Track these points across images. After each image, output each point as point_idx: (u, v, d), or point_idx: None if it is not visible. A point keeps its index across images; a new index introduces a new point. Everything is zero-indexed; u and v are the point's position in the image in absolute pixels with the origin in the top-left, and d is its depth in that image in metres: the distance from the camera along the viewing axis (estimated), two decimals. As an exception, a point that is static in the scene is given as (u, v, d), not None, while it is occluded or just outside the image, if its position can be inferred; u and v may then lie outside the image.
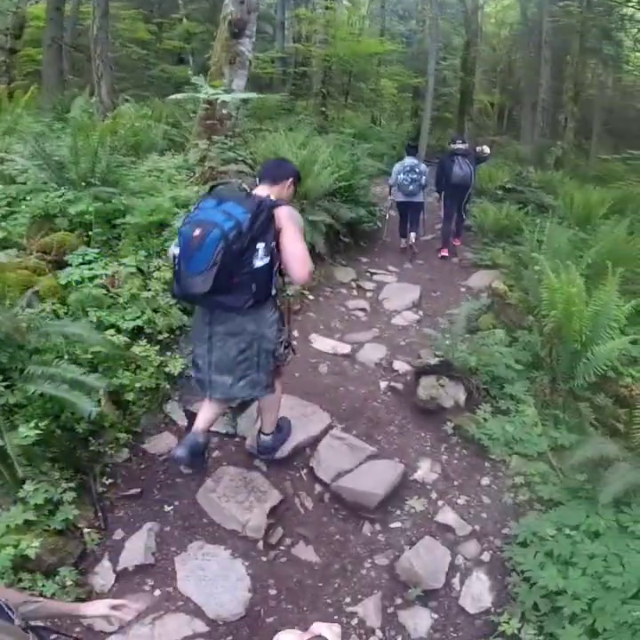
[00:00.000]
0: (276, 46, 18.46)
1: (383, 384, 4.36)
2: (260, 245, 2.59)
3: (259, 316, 2.74)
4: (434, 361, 4.22)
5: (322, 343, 4.85)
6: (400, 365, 4.57)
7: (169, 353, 3.85)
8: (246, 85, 6.47)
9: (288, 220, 2.69)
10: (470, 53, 21.15)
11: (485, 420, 3.88)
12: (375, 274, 6.89)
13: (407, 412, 4.08)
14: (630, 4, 17.05)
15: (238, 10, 6.15)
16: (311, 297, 5.70)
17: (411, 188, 7.29)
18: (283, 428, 3.45)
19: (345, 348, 4.80)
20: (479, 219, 8.05)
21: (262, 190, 2.84)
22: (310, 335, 4.99)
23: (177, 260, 2.63)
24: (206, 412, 2.99)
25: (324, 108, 16.72)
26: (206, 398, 3.00)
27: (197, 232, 2.50)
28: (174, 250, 2.69)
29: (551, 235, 6.10)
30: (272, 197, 2.75)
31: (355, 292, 6.26)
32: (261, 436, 3.29)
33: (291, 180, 2.97)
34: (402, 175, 7.32)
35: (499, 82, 26.88)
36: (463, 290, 6.49)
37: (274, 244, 2.64)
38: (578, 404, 4.07)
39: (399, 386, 4.31)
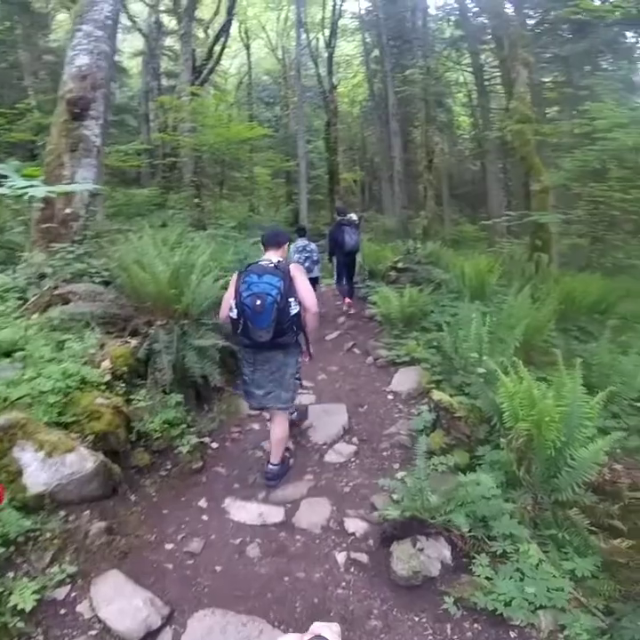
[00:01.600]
0: (140, 138, 17.51)
1: (341, 558, 3.08)
2: (291, 299, 3.45)
3: (290, 349, 3.70)
4: (400, 517, 3.10)
5: (243, 511, 3.48)
6: (354, 525, 3.32)
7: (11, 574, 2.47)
8: (97, 177, 5.24)
9: (296, 271, 3.60)
10: (331, 133, 21.83)
11: (490, 579, 2.80)
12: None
13: (385, 593, 2.84)
14: (460, 67, 18.87)
15: (79, 87, 5.05)
16: (214, 445, 4.32)
17: (306, 264, 7.73)
18: (286, 462, 4.01)
19: (276, 514, 3.46)
20: (383, 308, 7.13)
21: (273, 255, 3.68)
22: (224, 501, 3.61)
23: (242, 321, 3.40)
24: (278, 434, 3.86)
25: (198, 200, 15.82)
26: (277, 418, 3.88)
27: (258, 302, 3.33)
28: (232, 314, 3.45)
29: (464, 317, 5.57)
30: (280, 259, 3.63)
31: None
32: (269, 465, 3.85)
33: (287, 242, 3.90)
34: (296, 255, 7.84)
35: (358, 159, 28.31)
36: (390, 397, 5.44)
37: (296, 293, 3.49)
38: (567, 512, 3.24)
39: (363, 558, 3.06)
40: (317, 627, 1.23)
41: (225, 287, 4.10)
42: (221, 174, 21.91)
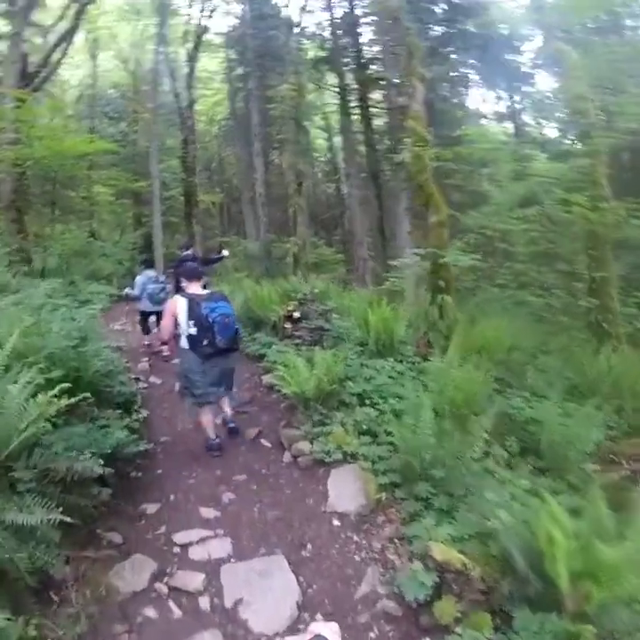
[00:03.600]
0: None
1: None
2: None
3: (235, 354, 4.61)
4: None
5: None
6: None
7: None
8: None
9: None
10: (189, 152, 19.35)
11: None
12: (188, 544, 3.40)
13: None
14: (325, 86, 17.95)
15: None
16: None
17: (160, 295, 7.36)
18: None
19: None
20: (293, 383, 5.07)
21: (198, 287, 4.47)
22: None
23: (210, 334, 4.12)
24: (210, 418, 4.63)
25: (19, 226, 12.39)
26: (206, 412, 4.54)
27: (227, 320, 4.18)
28: (191, 331, 4.16)
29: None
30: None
31: (173, 607, 2.86)
32: (228, 424, 4.95)
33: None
34: (151, 285, 7.42)
35: (216, 180, 26.02)
36: (336, 523, 3.60)
37: None
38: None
39: None
40: (316, 627, 1.18)
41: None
42: (52, 194, 18.13)
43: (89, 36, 18.01)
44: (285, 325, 6.48)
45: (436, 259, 6.84)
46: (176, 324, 4.31)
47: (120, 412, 4.48)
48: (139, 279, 7.58)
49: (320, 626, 1.21)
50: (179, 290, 5.33)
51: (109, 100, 21.32)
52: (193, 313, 4.10)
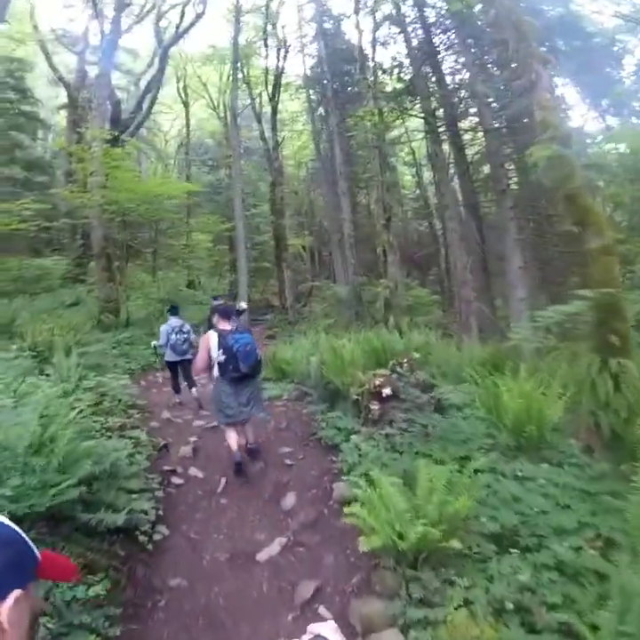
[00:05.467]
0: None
1: None
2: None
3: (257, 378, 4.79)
4: None
5: None
6: None
7: None
8: None
9: None
10: (277, 194, 18.24)
11: None
12: None
13: None
14: (412, 112, 16.06)
15: None
16: None
17: (183, 346, 6.84)
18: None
19: None
20: (378, 527, 2.79)
21: (227, 325, 4.60)
22: None
23: (234, 360, 4.36)
24: (235, 436, 4.59)
25: (109, 274, 11.60)
26: (231, 430, 4.58)
27: (248, 347, 4.38)
28: (220, 359, 4.41)
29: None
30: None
31: None
32: (248, 446, 4.78)
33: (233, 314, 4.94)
34: (174, 335, 6.83)
35: (306, 223, 24.87)
36: None
37: None
38: None
39: None
40: (315, 627, 1.04)
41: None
42: (154, 242, 17.83)
43: (179, 84, 17.88)
44: (371, 405, 4.19)
45: (607, 302, 4.24)
46: (209, 356, 4.57)
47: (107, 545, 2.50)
48: (163, 328, 6.94)
49: (318, 626, 1.05)
50: (210, 326, 5.60)
51: (206, 148, 21.15)
52: (222, 344, 4.44)
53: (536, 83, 5.41)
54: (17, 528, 0.70)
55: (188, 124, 19.60)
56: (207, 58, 18.02)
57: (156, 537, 3.44)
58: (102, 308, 12.39)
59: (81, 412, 3.92)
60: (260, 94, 18.35)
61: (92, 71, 12.83)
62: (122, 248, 14.17)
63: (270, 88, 17.53)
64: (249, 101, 17.76)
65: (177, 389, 7.11)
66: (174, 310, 7.14)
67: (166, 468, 4.66)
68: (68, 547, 2.77)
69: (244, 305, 8.08)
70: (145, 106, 13.39)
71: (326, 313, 17.11)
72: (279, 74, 17.20)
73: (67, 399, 3.99)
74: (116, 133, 11.79)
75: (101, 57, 10.68)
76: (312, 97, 17.69)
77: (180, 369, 6.95)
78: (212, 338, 4.50)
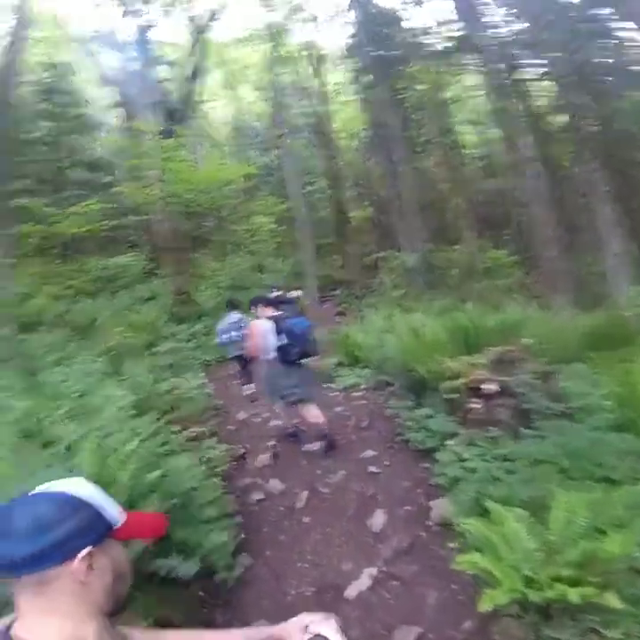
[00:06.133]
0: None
1: None
2: None
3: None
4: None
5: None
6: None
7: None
8: None
9: None
10: (333, 167, 17.36)
11: None
12: None
13: None
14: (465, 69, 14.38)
15: None
16: None
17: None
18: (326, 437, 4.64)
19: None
20: (502, 577, 2.07)
21: (270, 311, 4.71)
22: None
23: (294, 344, 4.38)
24: (288, 415, 4.83)
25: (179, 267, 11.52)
26: (285, 407, 4.73)
27: (307, 330, 4.50)
28: (283, 342, 4.40)
29: None
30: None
31: None
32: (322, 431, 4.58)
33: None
34: (233, 332, 6.62)
35: (365, 194, 23.66)
36: None
37: None
38: None
39: None
40: (316, 626, 1.01)
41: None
42: (219, 229, 17.76)
43: (223, 70, 17.30)
44: (472, 404, 3.47)
45: None
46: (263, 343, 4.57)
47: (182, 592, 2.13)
48: (221, 327, 6.82)
49: (319, 626, 1.02)
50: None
51: (257, 131, 20.58)
52: (282, 328, 4.44)
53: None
54: (92, 493, 0.80)
55: (238, 110, 19.09)
56: (244, 40, 17.26)
57: (238, 571, 3.03)
58: (175, 300, 12.46)
59: (156, 427, 3.60)
60: (299, 71, 17.32)
61: (135, 67, 12.64)
62: (188, 239, 14.14)
63: (314, 62, 16.46)
64: (293, 77, 16.84)
65: (246, 380, 6.93)
66: (233, 306, 6.97)
67: (246, 480, 4.27)
68: (141, 598, 2.40)
69: (295, 293, 7.65)
70: (192, 95, 13.02)
71: (396, 284, 16.17)
72: (317, 47, 16.05)
73: (133, 420, 3.64)
74: (167, 125, 11.54)
75: (138, 50, 10.42)
76: (357, 65, 16.40)
77: (248, 363, 6.75)
78: (265, 325, 4.57)
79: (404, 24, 14.52)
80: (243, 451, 4.75)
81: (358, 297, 16.47)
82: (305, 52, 15.64)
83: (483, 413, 3.37)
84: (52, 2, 18.13)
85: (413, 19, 14.45)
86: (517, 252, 18.58)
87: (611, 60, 11.58)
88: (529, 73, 13.45)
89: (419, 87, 13.07)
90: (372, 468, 4.04)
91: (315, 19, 15.32)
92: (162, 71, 13.38)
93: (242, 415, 5.84)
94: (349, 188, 22.55)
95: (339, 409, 5.44)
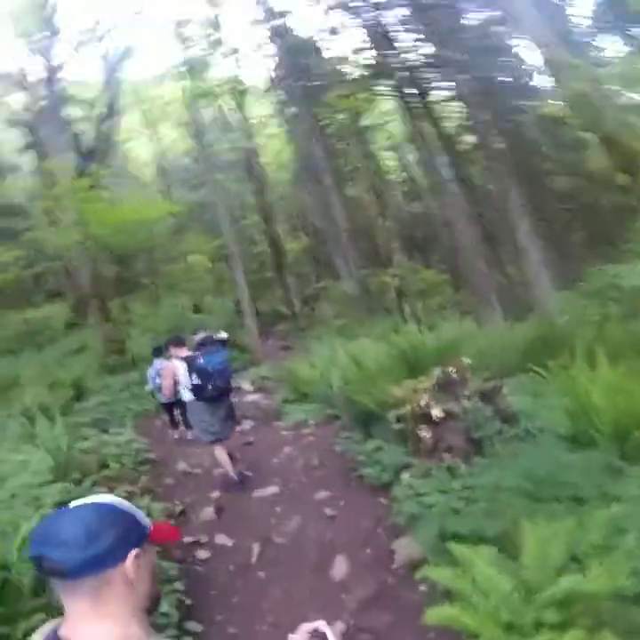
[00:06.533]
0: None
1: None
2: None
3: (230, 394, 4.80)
4: None
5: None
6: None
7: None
8: None
9: None
10: (263, 199, 17.34)
11: None
12: None
13: None
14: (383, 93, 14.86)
15: None
16: None
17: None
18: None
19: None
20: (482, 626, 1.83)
21: (186, 350, 4.65)
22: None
23: (211, 380, 4.30)
24: (227, 456, 4.57)
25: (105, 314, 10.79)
26: (220, 447, 4.53)
27: (222, 365, 4.40)
28: (195, 381, 4.29)
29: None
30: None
31: None
32: (243, 473, 4.65)
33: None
34: (159, 379, 6.22)
35: (299, 225, 23.81)
36: None
37: None
38: None
39: None
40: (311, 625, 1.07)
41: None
42: (152, 271, 17.08)
43: (142, 108, 16.98)
44: (420, 431, 3.25)
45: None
46: (176, 384, 4.65)
47: None
48: (150, 372, 6.80)
49: (316, 623, 1.08)
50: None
51: (185, 168, 20.22)
52: (194, 367, 4.32)
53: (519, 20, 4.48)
54: (127, 505, 0.88)
55: (159, 146, 18.71)
56: (161, 77, 17.09)
57: (187, 641, 2.57)
58: (107, 349, 11.62)
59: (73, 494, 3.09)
60: (222, 104, 17.37)
61: (45, 107, 12.00)
62: (113, 283, 13.37)
63: (236, 96, 16.58)
64: (215, 113, 16.83)
65: (174, 424, 6.80)
66: (157, 351, 6.85)
67: (188, 539, 3.78)
68: None
69: (223, 334, 7.42)
70: (110, 134, 12.55)
71: (337, 313, 16.18)
72: (239, 81, 16.23)
73: (44, 488, 3.11)
74: (84, 165, 10.97)
75: (46, 89, 9.92)
76: (280, 98, 16.72)
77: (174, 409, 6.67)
78: (178, 366, 4.50)
79: (324, 54, 14.91)
80: (181, 508, 4.24)
81: (302, 329, 16.26)
82: (227, 87, 15.73)
83: (433, 441, 3.17)
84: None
85: (332, 48, 14.81)
86: (447, 270, 19.34)
87: (510, 78, 12.49)
88: (439, 95, 14.20)
89: (339, 116, 13.40)
90: (328, 511, 3.71)
91: (235, 52, 15.48)
92: (74, 111, 12.79)
93: (181, 466, 5.31)
94: (283, 220, 22.64)
95: (287, 449, 5.09)
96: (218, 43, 14.03)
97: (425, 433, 3.19)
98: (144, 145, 19.48)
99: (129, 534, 0.83)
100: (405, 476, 3.15)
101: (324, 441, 4.91)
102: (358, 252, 16.39)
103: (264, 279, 20.55)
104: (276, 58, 16.46)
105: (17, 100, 13.11)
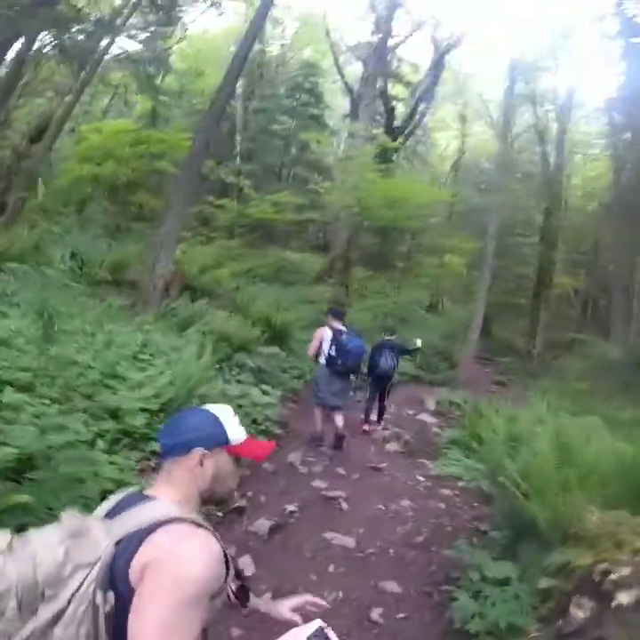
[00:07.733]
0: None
1: None
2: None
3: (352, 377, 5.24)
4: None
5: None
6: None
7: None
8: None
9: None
10: (551, 223, 14.76)
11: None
12: None
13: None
14: None
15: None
16: None
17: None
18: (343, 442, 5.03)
19: None
20: None
21: (340, 324, 5.01)
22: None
23: (343, 356, 4.76)
24: (321, 416, 5.02)
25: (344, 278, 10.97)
26: (320, 410, 5.04)
27: (359, 349, 4.86)
28: (332, 352, 4.80)
29: None
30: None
31: None
32: (337, 433, 4.93)
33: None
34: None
35: (584, 263, 19.71)
36: None
37: None
38: None
39: None
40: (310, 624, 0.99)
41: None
42: (405, 257, 16.89)
43: (459, 102, 16.11)
44: (575, 607, 1.67)
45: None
46: (320, 347, 4.97)
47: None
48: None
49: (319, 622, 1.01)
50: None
51: (483, 171, 18.87)
52: (336, 340, 4.78)
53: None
54: (227, 416, 1.08)
55: (463, 144, 17.81)
56: (489, 74, 15.82)
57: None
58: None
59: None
60: (546, 113, 15.08)
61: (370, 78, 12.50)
62: (367, 255, 13.59)
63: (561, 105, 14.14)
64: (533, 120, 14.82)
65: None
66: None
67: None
68: None
69: (418, 342, 7.19)
70: (417, 117, 12.36)
71: (582, 375, 12.84)
72: (571, 94, 13.64)
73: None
74: (391, 137, 11.07)
75: (371, 59, 10.16)
76: (616, 119, 13.45)
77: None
78: (326, 332, 4.92)
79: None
80: (236, 505, 3.48)
81: (530, 374, 13.58)
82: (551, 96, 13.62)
83: (581, 624, 1.57)
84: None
85: None
86: None
87: None
88: None
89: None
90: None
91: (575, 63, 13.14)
92: (398, 90, 13.05)
93: (293, 457, 4.59)
94: (566, 251, 19.14)
95: (402, 503, 3.84)
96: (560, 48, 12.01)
97: (579, 613, 1.58)
98: (451, 138, 18.96)
99: (207, 437, 1.02)
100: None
101: (448, 520, 3.51)
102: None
103: (513, 303, 18.01)
104: (623, 77, 13.26)
105: (355, 70, 14.18)
